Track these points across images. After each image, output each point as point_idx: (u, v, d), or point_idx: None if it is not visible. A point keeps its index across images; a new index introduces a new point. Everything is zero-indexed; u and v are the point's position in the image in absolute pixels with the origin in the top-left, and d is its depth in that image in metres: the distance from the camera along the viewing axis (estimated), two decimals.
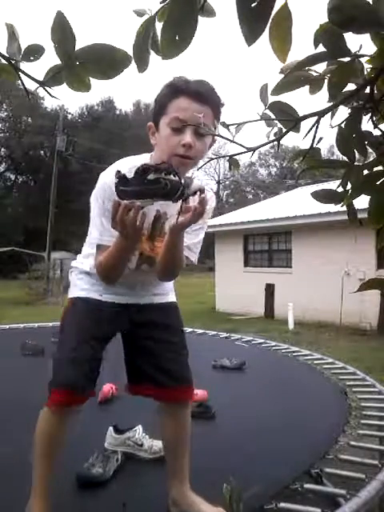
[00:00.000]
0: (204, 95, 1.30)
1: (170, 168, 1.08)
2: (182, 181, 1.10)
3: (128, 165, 1.37)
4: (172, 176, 1.08)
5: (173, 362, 1.55)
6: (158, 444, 2.00)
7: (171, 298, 1.66)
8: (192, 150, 1.30)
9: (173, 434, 1.59)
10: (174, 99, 1.30)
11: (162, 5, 0.68)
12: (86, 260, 1.55)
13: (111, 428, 2.09)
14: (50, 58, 0.69)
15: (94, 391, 1.48)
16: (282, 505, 1.62)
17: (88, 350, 1.43)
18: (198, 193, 1.17)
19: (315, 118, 0.86)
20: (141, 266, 1.50)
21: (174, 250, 1.35)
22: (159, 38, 0.69)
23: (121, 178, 1.07)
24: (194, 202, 1.19)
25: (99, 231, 1.39)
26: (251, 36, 0.65)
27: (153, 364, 1.54)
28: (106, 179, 1.35)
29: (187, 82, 1.32)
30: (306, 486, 1.76)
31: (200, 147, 1.32)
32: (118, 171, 1.10)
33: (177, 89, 1.31)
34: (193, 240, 1.46)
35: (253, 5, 0.63)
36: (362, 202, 1.03)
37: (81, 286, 1.55)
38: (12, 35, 0.67)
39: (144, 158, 1.42)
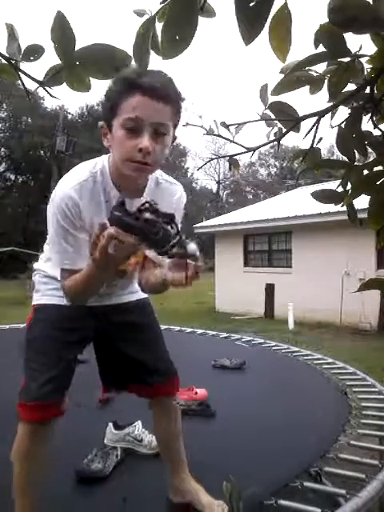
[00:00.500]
0: (161, 90, 1.12)
1: (172, 220, 1.00)
2: (178, 237, 1.00)
3: (85, 172, 1.27)
4: (169, 227, 1.00)
5: (156, 359, 1.53)
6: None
7: (141, 294, 1.54)
8: (150, 155, 1.13)
9: (166, 427, 1.60)
10: (128, 96, 1.12)
11: (162, 5, 0.68)
12: (48, 263, 1.45)
13: (111, 424, 2.09)
14: (50, 58, 0.69)
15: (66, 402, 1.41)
16: (282, 502, 1.62)
17: (62, 362, 1.39)
18: (191, 259, 1.03)
19: (315, 118, 0.86)
20: (113, 281, 1.42)
21: (163, 287, 1.20)
22: (159, 38, 0.69)
23: (119, 204, 0.99)
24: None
25: (59, 255, 1.25)
26: (249, 35, 0.65)
27: (137, 365, 1.51)
28: (64, 198, 1.22)
29: (140, 74, 1.12)
30: (306, 484, 1.76)
31: (159, 151, 1.15)
32: (121, 196, 1.02)
33: (129, 84, 1.12)
34: None
35: (251, 4, 0.63)
36: (362, 202, 1.03)
37: (44, 292, 1.45)
38: (12, 35, 0.67)
39: (101, 161, 1.29)
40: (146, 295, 1.56)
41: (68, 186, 1.23)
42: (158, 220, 0.98)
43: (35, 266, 1.52)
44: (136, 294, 1.54)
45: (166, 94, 1.14)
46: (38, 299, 1.46)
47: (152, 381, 1.52)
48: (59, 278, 1.28)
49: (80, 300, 1.29)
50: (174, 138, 1.23)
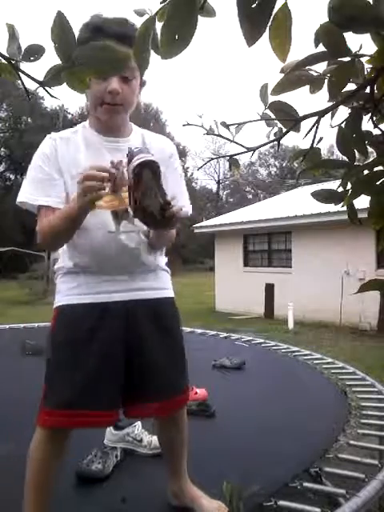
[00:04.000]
0: (127, 36, 1.12)
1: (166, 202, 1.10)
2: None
3: (65, 131, 1.44)
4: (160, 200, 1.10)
5: (175, 370, 1.44)
6: (157, 439, 1.99)
7: (170, 292, 1.48)
8: (119, 96, 1.26)
9: (173, 437, 1.56)
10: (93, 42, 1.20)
11: (162, 5, 0.68)
12: (66, 256, 1.39)
13: None
14: (50, 58, 0.69)
15: (116, 412, 1.38)
16: (282, 503, 1.62)
17: (89, 367, 1.31)
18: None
19: (315, 117, 0.86)
20: (121, 225, 1.32)
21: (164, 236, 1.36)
22: (159, 37, 0.69)
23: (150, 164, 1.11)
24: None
25: (34, 187, 1.33)
26: (252, 37, 0.65)
27: (157, 377, 1.39)
28: (44, 143, 1.36)
29: (107, 21, 1.20)
30: (306, 484, 1.76)
31: (128, 92, 1.28)
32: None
33: (94, 29, 1.20)
34: (174, 190, 1.27)
35: (253, 5, 0.62)
36: (362, 201, 1.03)
37: (65, 292, 1.37)
38: (12, 35, 0.67)
39: (82, 124, 1.42)
40: (173, 294, 1.49)
41: (48, 136, 1.38)
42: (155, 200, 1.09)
43: (57, 265, 1.44)
44: (165, 290, 1.46)
45: (130, 38, 1.06)
46: (59, 301, 1.38)
47: (171, 394, 1.43)
48: (38, 225, 1.31)
49: (53, 244, 1.33)
50: (142, 84, 1.35)
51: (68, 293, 1.37)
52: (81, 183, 1.14)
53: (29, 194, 1.33)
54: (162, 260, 1.48)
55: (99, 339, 1.32)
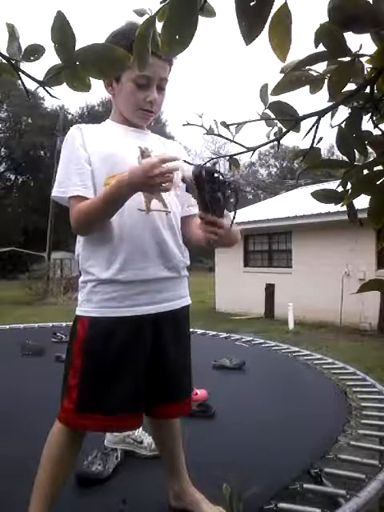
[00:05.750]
0: None
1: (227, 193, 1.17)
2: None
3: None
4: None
5: (188, 374, 1.52)
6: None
7: (189, 299, 1.55)
8: (155, 105, 1.41)
9: (172, 439, 1.58)
10: None
11: (162, 5, 0.68)
12: (93, 267, 1.37)
13: None
14: (50, 58, 0.69)
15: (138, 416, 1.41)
16: (282, 505, 1.62)
17: (122, 373, 1.35)
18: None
19: (315, 117, 0.86)
20: (151, 204, 1.36)
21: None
22: (159, 37, 0.69)
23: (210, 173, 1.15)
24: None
25: (66, 180, 1.35)
26: (249, 35, 0.65)
27: (175, 380, 1.46)
28: (72, 131, 1.39)
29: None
30: (306, 485, 1.76)
31: (160, 100, 1.43)
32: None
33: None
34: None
35: (251, 4, 0.63)
36: (362, 201, 1.03)
37: (98, 303, 1.36)
38: (12, 35, 0.67)
39: (107, 122, 1.49)
40: (190, 301, 1.56)
41: (74, 127, 1.42)
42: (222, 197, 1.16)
43: (86, 269, 1.40)
44: (185, 298, 1.53)
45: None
46: (89, 311, 1.37)
47: (182, 397, 1.50)
48: (71, 212, 1.33)
49: (87, 223, 1.32)
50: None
51: (102, 304, 1.36)
52: (152, 177, 1.17)
53: (60, 188, 1.36)
54: (186, 265, 1.52)
55: (131, 350, 1.36)
